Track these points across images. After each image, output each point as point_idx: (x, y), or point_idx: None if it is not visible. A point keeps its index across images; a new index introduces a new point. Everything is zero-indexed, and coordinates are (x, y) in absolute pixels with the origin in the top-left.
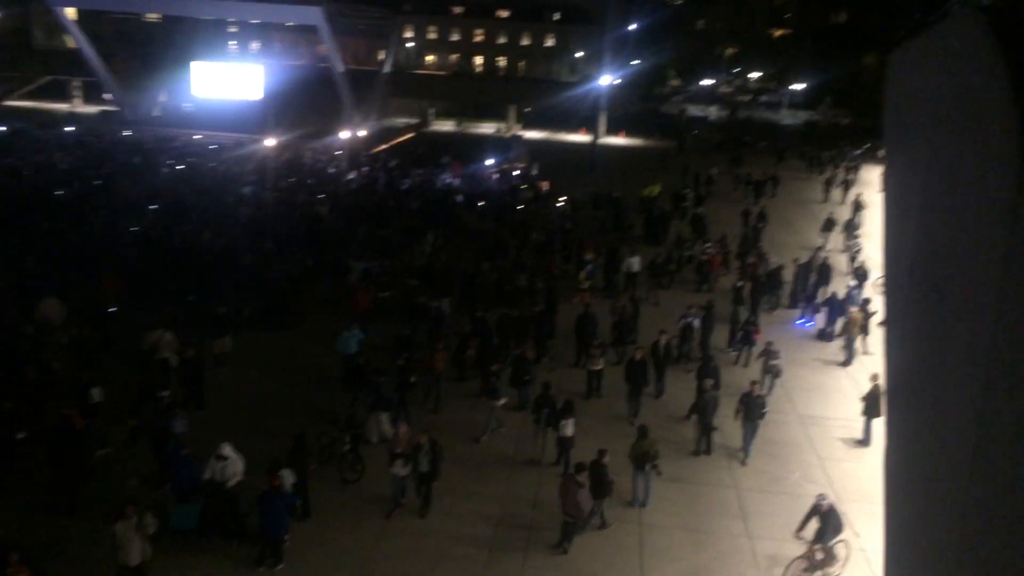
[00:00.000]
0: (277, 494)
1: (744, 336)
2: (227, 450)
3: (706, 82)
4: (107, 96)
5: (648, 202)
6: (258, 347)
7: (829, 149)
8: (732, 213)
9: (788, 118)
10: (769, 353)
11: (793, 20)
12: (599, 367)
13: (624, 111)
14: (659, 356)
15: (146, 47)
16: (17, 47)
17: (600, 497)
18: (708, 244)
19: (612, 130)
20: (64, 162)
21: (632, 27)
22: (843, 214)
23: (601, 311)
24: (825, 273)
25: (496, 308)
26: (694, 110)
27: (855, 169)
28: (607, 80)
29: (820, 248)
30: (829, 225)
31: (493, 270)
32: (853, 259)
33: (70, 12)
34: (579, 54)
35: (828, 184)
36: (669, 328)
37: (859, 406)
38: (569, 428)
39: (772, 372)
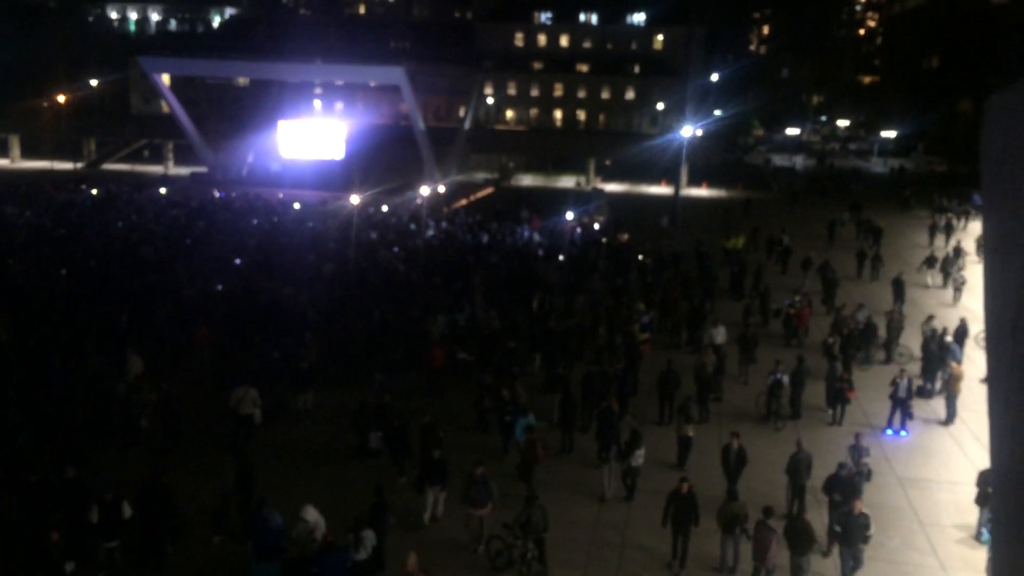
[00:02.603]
0: (333, 550)
1: (836, 393)
2: (310, 513)
3: (792, 131)
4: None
5: (732, 254)
6: (338, 402)
7: (948, 197)
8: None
9: (879, 166)
10: (859, 449)
11: (882, 66)
12: (688, 434)
13: (706, 162)
14: (729, 463)
15: (235, 110)
16: (116, 112)
17: (798, 553)
18: (797, 297)
19: (694, 182)
20: (156, 223)
21: (714, 78)
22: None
23: (685, 367)
24: (940, 344)
25: (578, 365)
26: (779, 160)
27: (965, 216)
28: (688, 131)
29: (932, 316)
30: (931, 262)
31: (576, 326)
32: (957, 290)
33: (165, 78)
34: (660, 106)
35: (933, 229)
36: (757, 384)
37: (971, 491)
38: (638, 459)
39: (862, 473)
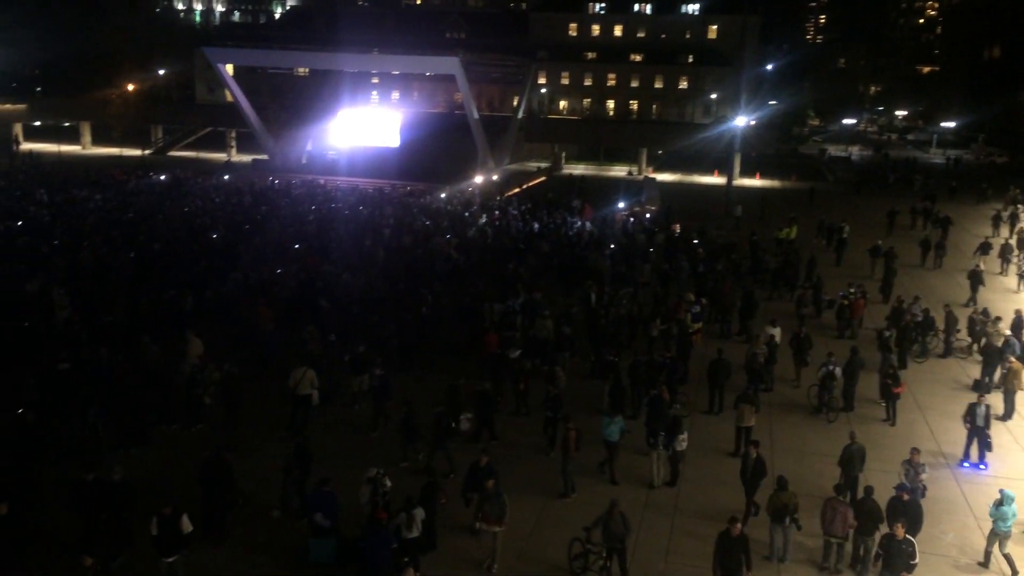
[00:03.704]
0: (381, 528)
1: (884, 388)
2: (375, 472)
3: (848, 121)
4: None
5: (785, 244)
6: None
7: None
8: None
9: (937, 157)
10: (914, 466)
11: (942, 56)
12: (750, 423)
13: (760, 152)
14: (747, 472)
15: (295, 99)
16: (182, 101)
17: (864, 532)
18: (852, 288)
19: (747, 172)
20: (220, 208)
21: (769, 67)
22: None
23: (736, 356)
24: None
25: (627, 352)
26: (835, 150)
27: None
28: (742, 121)
29: (999, 318)
30: (985, 248)
31: (626, 314)
32: (1022, 278)
33: (228, 68)
34: (713, 95)
35: (997, 220)
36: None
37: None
38: (681, 444)
39: (917, 489)
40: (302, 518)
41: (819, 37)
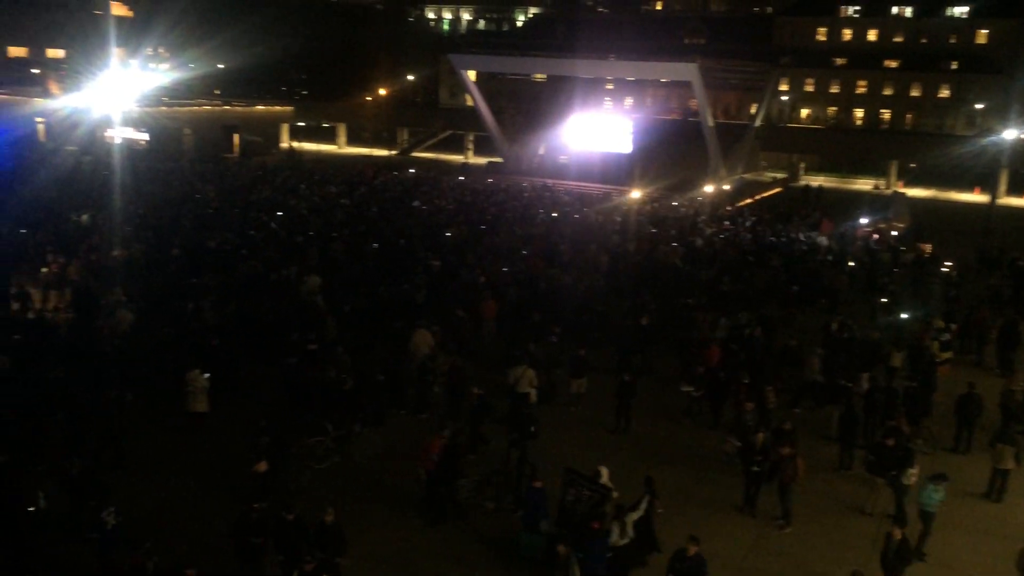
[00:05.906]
0: (598, 537)
1: None
2: (604, 474)
3: None
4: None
5: None
6: (610, 390)
7: None
8: None
9: None
10: None
11: None
12: (1008, 466)
13: None
14: (887, 557)
15: (531, 104)
16: (426, 105)
17: None
18: None
19: (1015, 190)
20: (454, 208)
21: None
22: None
23: (991, 392)
24: None
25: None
26: None
27: None
28: (1012, 134)
29: None
30: None
31: (863, 338)
32: None
33: (471, 74)
34: (979, 105)
35: None
36: None
37: None
38: (910, 478)
39: None
40: (516, 512)
41: None
